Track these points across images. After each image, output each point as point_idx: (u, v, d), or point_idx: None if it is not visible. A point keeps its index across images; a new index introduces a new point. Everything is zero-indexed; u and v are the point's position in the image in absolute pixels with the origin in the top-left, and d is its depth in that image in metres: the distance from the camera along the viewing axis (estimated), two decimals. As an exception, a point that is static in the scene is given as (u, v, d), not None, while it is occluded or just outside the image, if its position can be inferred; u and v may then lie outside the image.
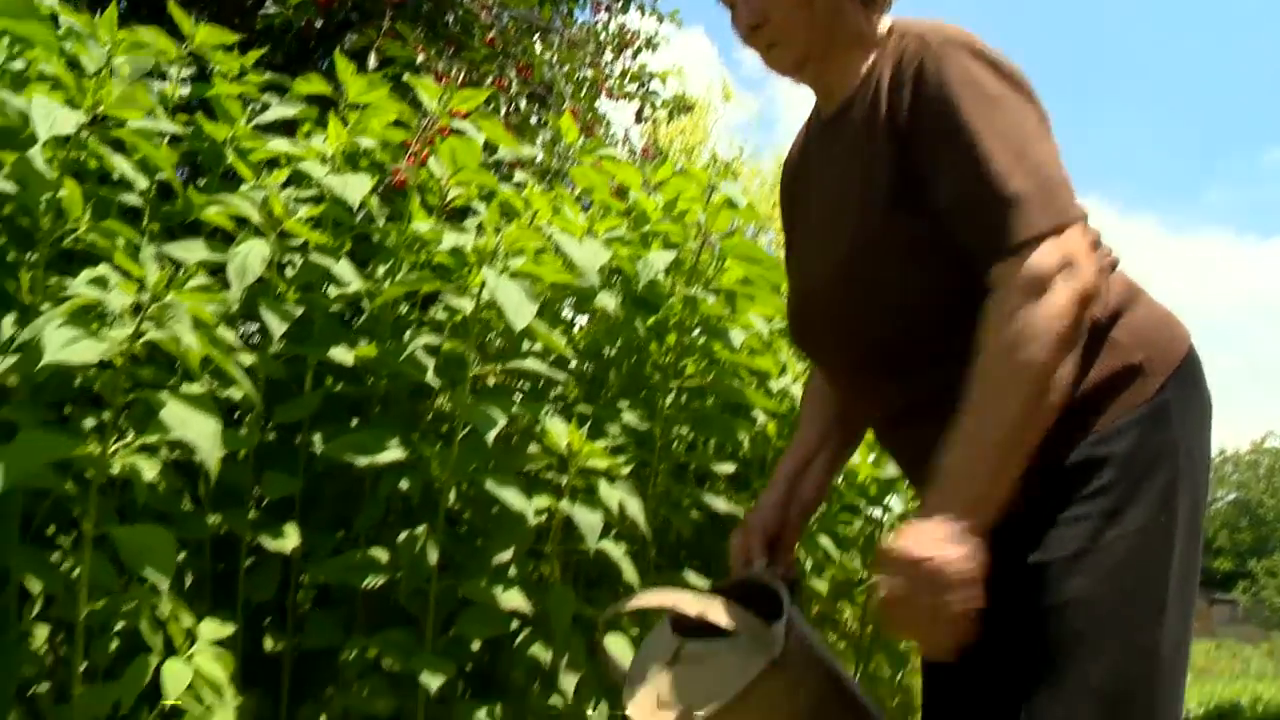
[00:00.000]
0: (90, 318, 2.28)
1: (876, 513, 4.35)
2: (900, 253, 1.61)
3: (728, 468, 3.46)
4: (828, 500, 3.96)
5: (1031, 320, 1.46)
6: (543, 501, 2.70)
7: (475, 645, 2.86)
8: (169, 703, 2.29)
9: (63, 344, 2.10)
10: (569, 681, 2.84)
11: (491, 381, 3.09)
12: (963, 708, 1.72)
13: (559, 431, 2.74)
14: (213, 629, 2.49)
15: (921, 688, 1.88)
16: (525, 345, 3.01)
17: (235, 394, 2.69)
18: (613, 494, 2.75)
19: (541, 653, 2.81)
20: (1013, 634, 1.56)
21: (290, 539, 2.68)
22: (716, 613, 1.72)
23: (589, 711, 2.98)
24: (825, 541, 3.82)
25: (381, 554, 2.67)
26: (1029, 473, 1.51)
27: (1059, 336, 1.46)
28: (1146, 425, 1.58)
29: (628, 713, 1.74)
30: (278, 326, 2.58)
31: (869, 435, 2.07)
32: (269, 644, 2.87)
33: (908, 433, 1.75)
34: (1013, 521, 1.55)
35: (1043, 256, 1.47)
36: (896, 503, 4.26)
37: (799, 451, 1.99)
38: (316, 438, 2.78)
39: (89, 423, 2.62)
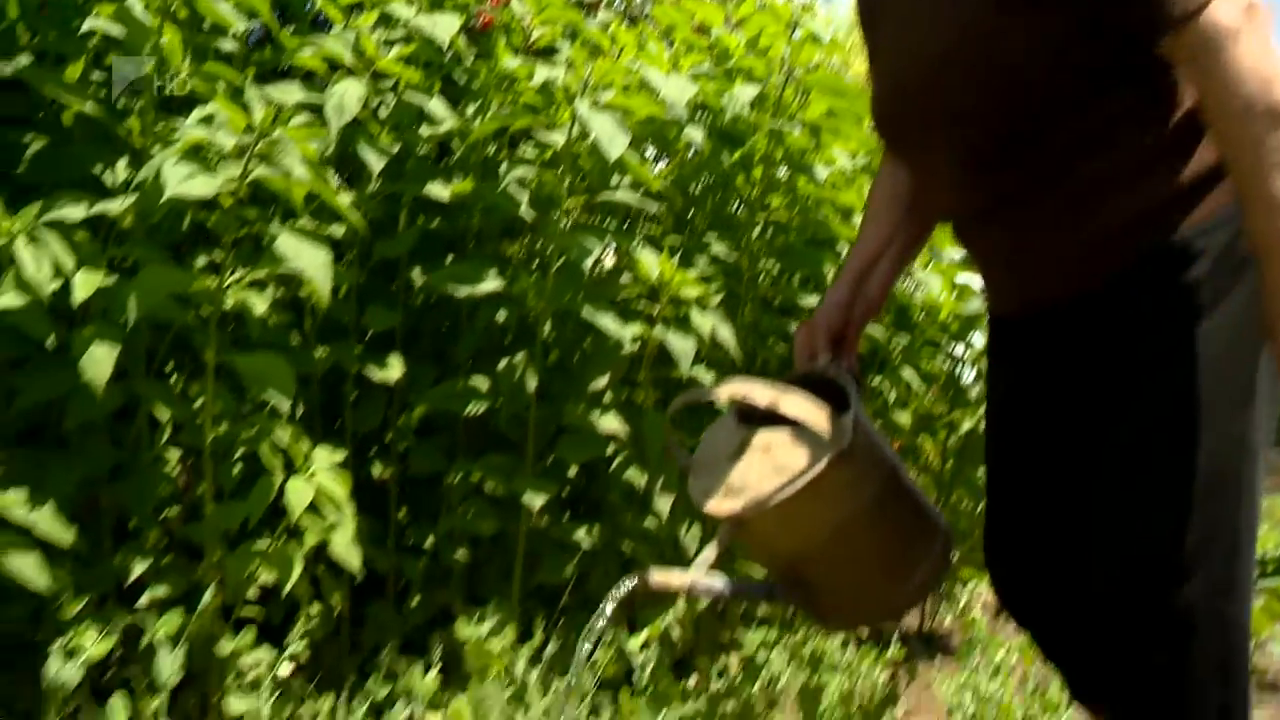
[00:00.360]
0: (201, 156, 2.37)
1: (959, 349, 4.39)
2: (1017, 35, 1.60)
3: (812, 300, 3.51)
4: (911, 334, 4.01)
5: (1257, 65, 1.46)
6: (636, 329, 2.79)
7: (572, 470, 2.98)
8: (294, 518, 2.44)
9: (181, 179, 2.19)
10: (663, 504, 2.96)
11: (583, 218, 3.15)
12: (1046, 489, 1.79)
13: (650, 262, 2.80)
14: (326, 455, 2.63)
15: (988, 481, 1.94)
16: (614, 180, 3.06)
17: (336, 231, 2.79)
18: (704, 321, 2.82)
19: (637, 476, 2.93)
20: (1109, 417, 1.62)
21: (394, 370, 2.80)
22: (787, 403, 1.72)
23: (682, 533, 3.11)
24: (909, 374, 3.88)
25: (481, 383, 2.79)
26: (1123, 249, 1.55)
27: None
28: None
29: (695, 501, 1.76)
30: (376, 163, 2.66)
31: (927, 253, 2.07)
32: (376, 471, 3.02)
33: (994, 228, 1.76)
34: (1099, 301, 1.60)
35: (1228, 6, 1.47)
36: (978, 339, 4.28)
37: (865, 249, 1.98)
38: (415, 273, 2.87)
39: (200, 261, 2.74)
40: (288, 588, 2.45)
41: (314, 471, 2.48)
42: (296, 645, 2.12)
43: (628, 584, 1.65)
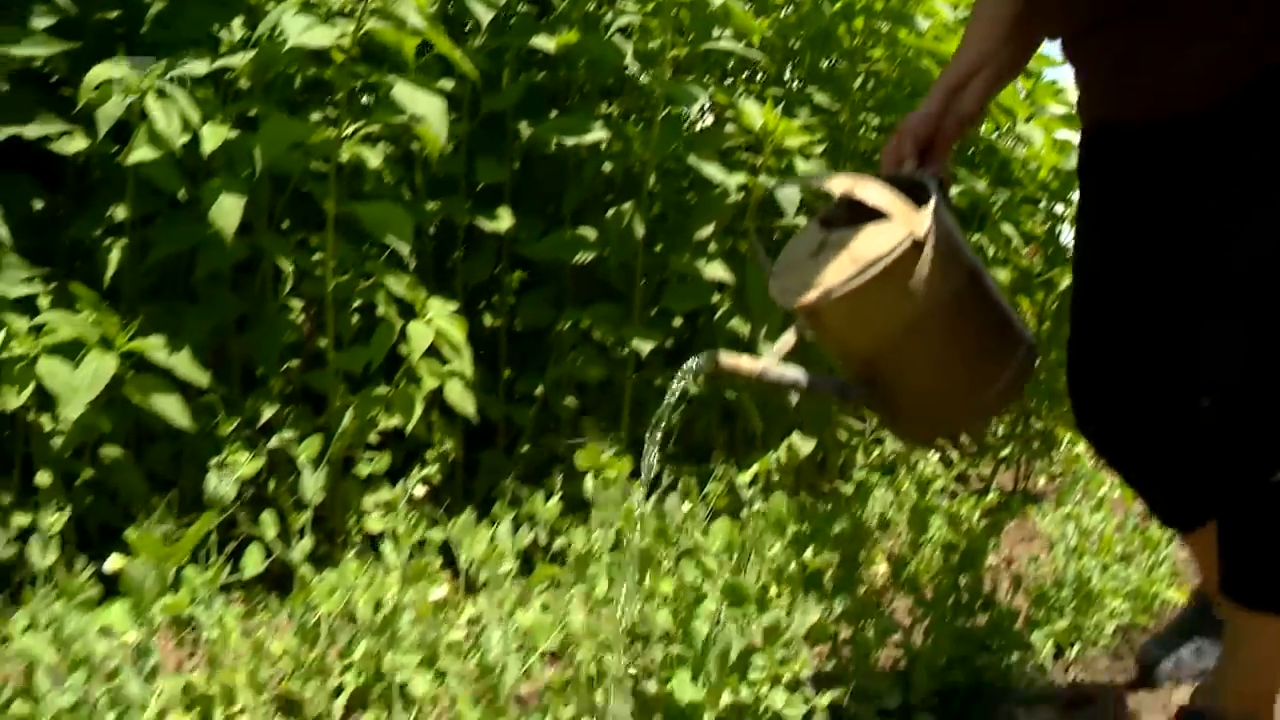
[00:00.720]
0: (314, 12, 2.42)
1: (1059, 208, 4.34)
2: None
3: (914, 152, 3.49)
4: (1011, 190, 3.99)
5: None
6: (740, 178, 2.82)
7: (677, 321, 3.05)
8: (415, 358, 2.54)
9: (301, 29, 2.26)
10: (766, 352, 3.02)
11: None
12: (1145, 303, 1.79)
13: (754, 111, 2.82)
14: (440, 305, 2.73)
15: (1075, 301, 1.93)
16: (716, 32, 3.06)
17: (444, 86, 2.84)
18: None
19: (740, 326, 2.99)
20: (1232, 230, 1.63)
21: (503, 221, 2.88)
22: (864, 189, 1.68)
23: (784, 382, 3.18)
24: (1008, 229, 3.86)
25: (589, 232, 2.85)
26: (1271, 56, 1.54)
27: None
28: None
29: (772, 297, 1.75)
30: (485, 14, 2.69)
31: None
32: (487, 322, 3.12)
33: (1123, 35, 1.72)
34: (1237, 109, 1.59)
35: None
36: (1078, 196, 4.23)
37: (962, 63, 1.93)
38: (522, 125, 2.92)
39: (315, 117, 2.82)
40: (409, 428, 2.56)
41: (431, 317, 2.57)
42: (419, 483, 2.23)
43: (699, 362, 1.66)
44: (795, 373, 1.69)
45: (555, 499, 2.22)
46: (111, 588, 1.71)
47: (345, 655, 1.81)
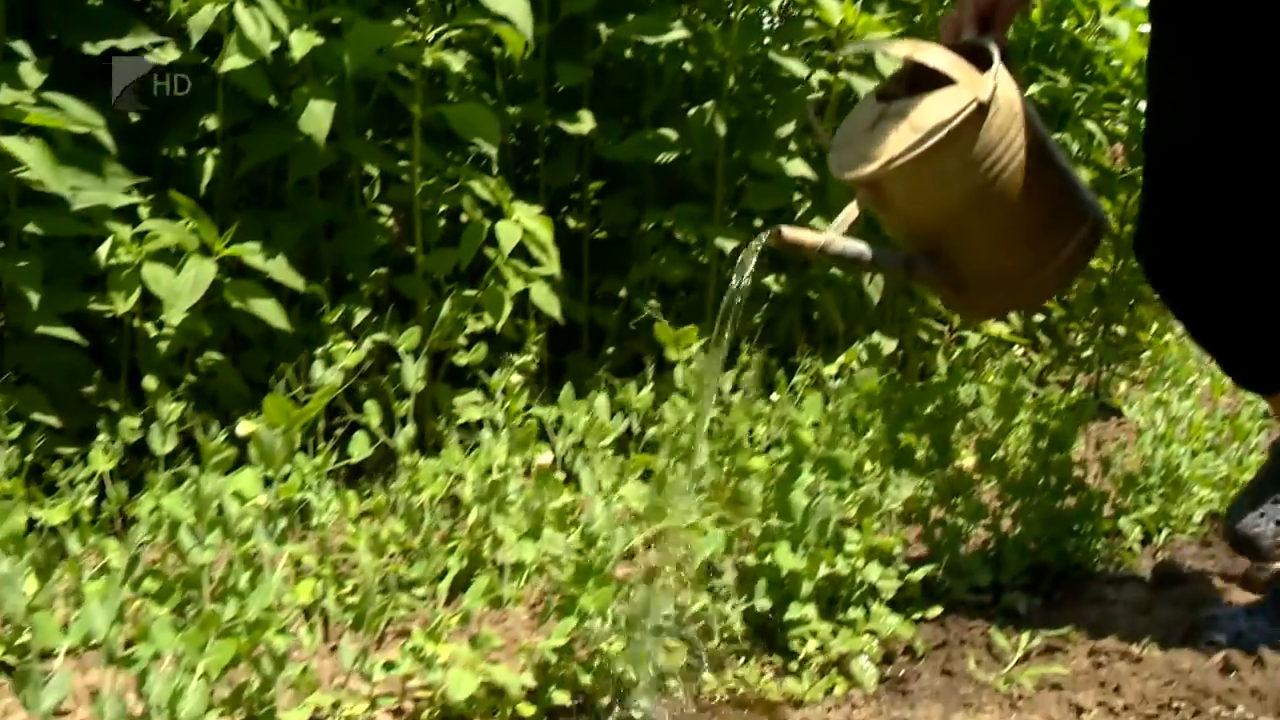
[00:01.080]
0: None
1: (1143, 105, 4.26)
2: None
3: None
4: (1094, 86, 3.92)
5: None
6: (820, 75, 2.81)
7: (758, 220, 3.06)
8: (502, 260, 2.58)
9: (385, -69, 2.27)
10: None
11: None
12: (1224, 145, 1.70)
13: (833, 7, 2.80)
14: (524, 207, 2.76)
15: (1147, 143, 1.86)
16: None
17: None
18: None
19: (822, 223, 2.99)
20: None
21: (585, 123, 2.89)
22: (927, 53, 1.65)
23: (866, 281, 3.19)
24: (1091, 127, 3.81)
25: (670, 133, 2.86)
26: None
27: None
28: None
29: (832, 172, 1.75)
30: (562, -86, 2.69)
31: None
32: (570, 225, 3.15)
33: None
34: None
35: None
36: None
37: None
38: (601, 27, 2.92)
39: (398, 22, 2.85)
40: (499, 327, 2.61)
41: (518, 218, 2.61)
42: (514, 371, 2.28)
43: (763, 238, 1.65)
44: (858, 246, 1.67)
45: (647, 389, 2.27)
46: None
47: (451, 534, 1.87)
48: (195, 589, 1.26)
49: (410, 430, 1.94)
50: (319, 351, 1.80)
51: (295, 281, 2.58)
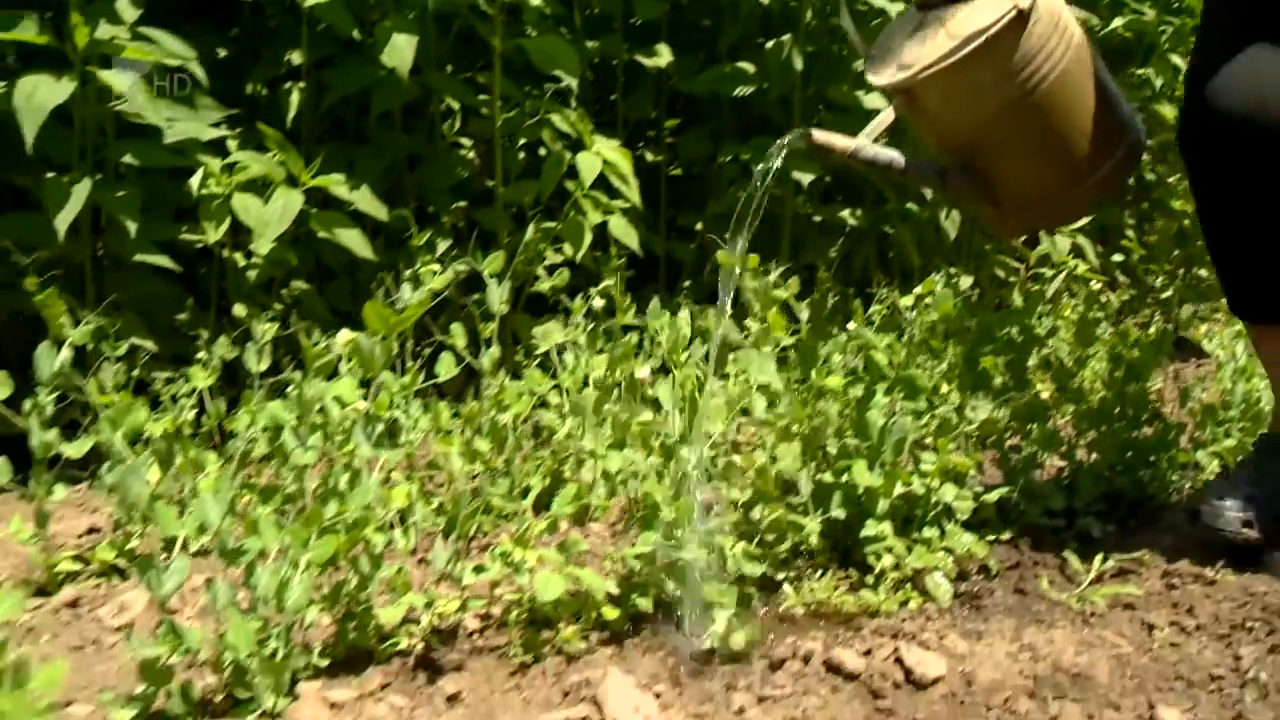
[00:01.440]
0: None
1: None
2: None
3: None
4: (1179, 19, 3.84)
5: None
6: (898, 7, 2.80)
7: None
8: (583, 190, 2.62)
9: None
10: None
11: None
12: None
13: (912, -64, 2.78)
14: (603, 141, 2.79)
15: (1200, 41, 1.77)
16: None
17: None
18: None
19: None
20: None
21: (662, 57, 2.91)
22: None
23: (942, 217, 3.18)
24: (1176, 60, 3.74)
25: (747, 66, 2.87)
26: None
27: None
28: None
29: (869, 80, 1.73)
30: None
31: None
32: (647, 159, 3.17)
33: None
34: None
35: None
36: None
37: None
38: (680, -41, 2.94)
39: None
40: (579, 256, 2.65)
41: (598, 150, 2.64)
42: (596, 296, 2.32)
43: (791, 137, 1.64)
44: (890, 154, 1.67)
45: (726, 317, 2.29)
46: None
47: (533, 454, 1.93)
48: (298, 489, 1.32)
49: (495, 351, 1.99)
50: (407, 273, 1.85)
51: (379, 212, 2.64)
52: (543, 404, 2.07)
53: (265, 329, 1.94)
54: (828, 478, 1.69)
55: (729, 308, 1.67)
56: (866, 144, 1.66)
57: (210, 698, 1.32)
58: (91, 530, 2.07)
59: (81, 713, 1.37)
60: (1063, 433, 2.09)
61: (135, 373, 1.91)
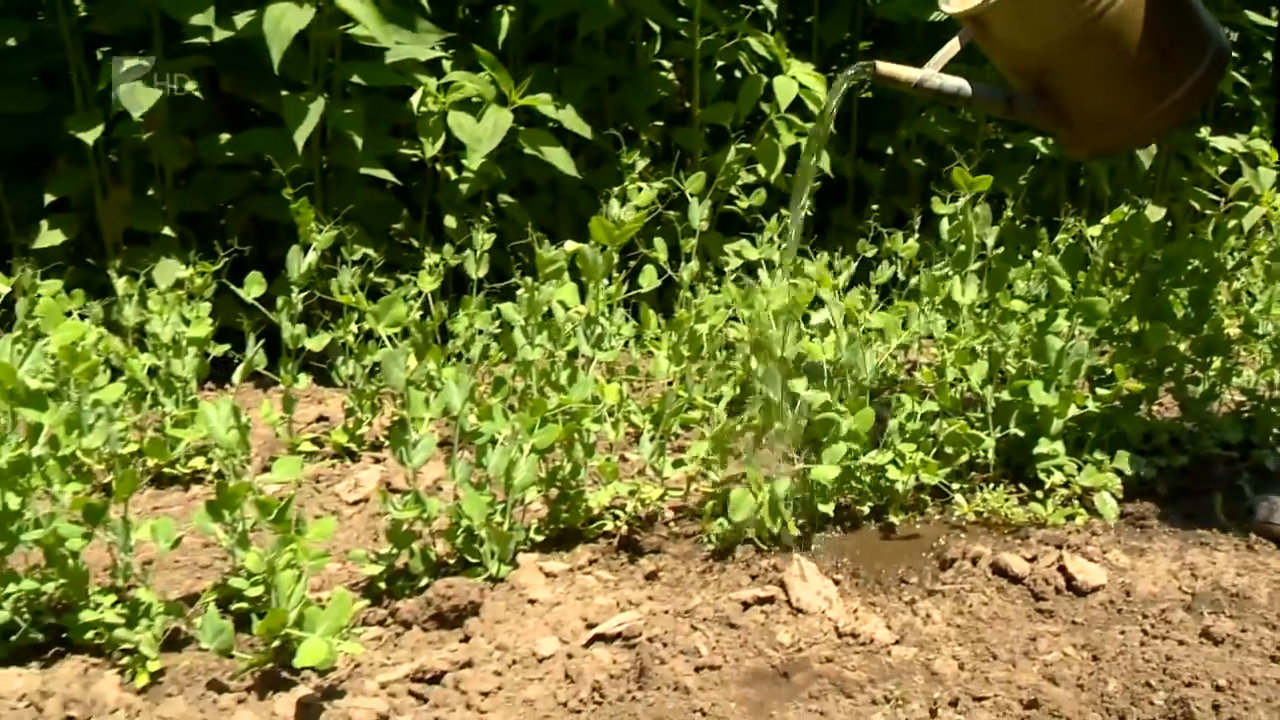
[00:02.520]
0: None
1: None
2: None
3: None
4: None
5: None
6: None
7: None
8: (778, 113, 2.71)
9: None
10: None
11: None
12: None
13: None
14: (798, 65, 2.87)
15: None
16: None
17: None
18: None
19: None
20: None
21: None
22: None
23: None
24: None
25: (946, -9, 2.89)
26: None
27: None
28: None
29: (941, 8, 1.72)
30: None
31: None
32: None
33: None
34: None
35: None
36: None
37: None
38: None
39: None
40: (772, 178, 2.76)
41: (794, 73, 2.72)
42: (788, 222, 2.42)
43: (856, 69, 1.65)
44: (957, 82, 1.66)
45: (914, 239, 2.37)
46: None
47: (725, 364, 2.06)
48: (524, 383, 1.48)
49: (695, 265, 2.12)
50: (615, 190, 1.98)
51: (583, 130, 2.79)
52: (734, 318, 2.19)
53: (484, 239, 2.11)
54: (1005, 396, 1.78)
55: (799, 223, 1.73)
56: (932, 74, 1.65)
57: (444, 560, 1.51)
58: (320, 418, 2.31)
59: (333, 568, 1.58)
60: (1246, 368, 2.11)
61: (371, 275, 2.10)
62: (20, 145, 2.68)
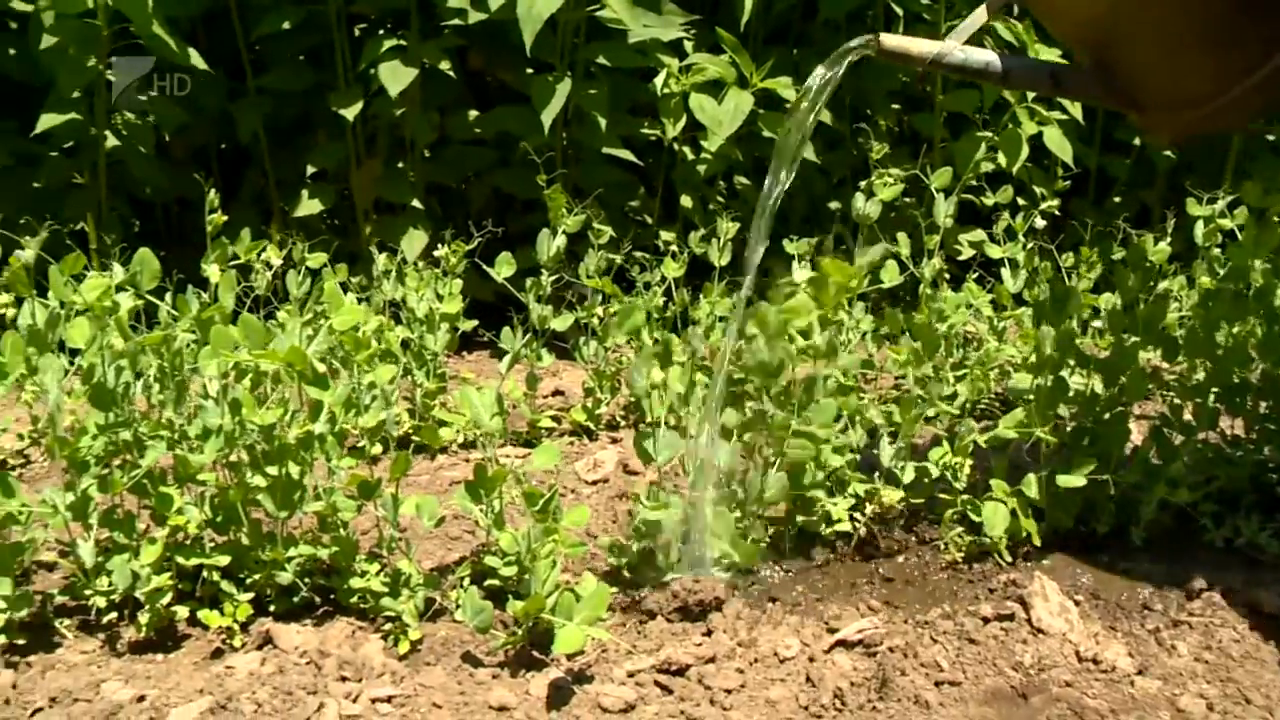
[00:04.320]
0: None
1: None
2: None
3: None
4: None
5: None
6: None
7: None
8: (1022, 101, 2.64)
9: None
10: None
11: None
12: None
13: None
14: (1048, 51, 2.78)
15: None
16: None
17: None
18: None
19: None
20: None
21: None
22: None
23: None
24: None
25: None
26: None
27: None
28: None
29: None
30: None
31: None
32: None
33: None
34: None
35: None
36: None
37: None
38: None
39: None
40: (1015, 167, 2.69)
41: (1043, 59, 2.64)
42: (1036, 216, 2.36)
43: (858, 43, 1.46)
44: (985, 56, 1.43)
45: (1164, 242, 2.28)
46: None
47: (962, 363, 2.03)
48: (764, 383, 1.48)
49: (936, 262, 2.09)
50: (862, 185, 1.97)
51: (822, 114, 2.77)
52: (975, 314, 2.15)
53: (728, 227, 2.13)
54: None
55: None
56: (954, 47, 1.43)
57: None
58: (556, 392, 2.38)
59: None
60: None
61: (617, 258, 2.15)
62: (286, 120, 2.84)
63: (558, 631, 1.25)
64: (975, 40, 1.46)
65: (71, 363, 1.43)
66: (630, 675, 1.31)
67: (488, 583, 1.46)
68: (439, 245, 2.12)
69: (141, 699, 1.30)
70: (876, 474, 1.64)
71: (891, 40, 1.43)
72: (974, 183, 2.78)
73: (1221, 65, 1.39)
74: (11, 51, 2.58)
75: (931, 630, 1.39)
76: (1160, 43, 1.39)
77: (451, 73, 2.64)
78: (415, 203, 2.76)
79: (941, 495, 1.63)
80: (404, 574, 1.43)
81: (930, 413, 1.98)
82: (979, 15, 1.47)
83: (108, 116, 2.59)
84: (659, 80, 2.72)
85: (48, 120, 2.45)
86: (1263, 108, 1.47)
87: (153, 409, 1.52)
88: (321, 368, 1.36)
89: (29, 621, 1.43)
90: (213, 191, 1.50)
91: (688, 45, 2.81)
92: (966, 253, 2.72)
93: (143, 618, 1.41)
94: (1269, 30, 1.35)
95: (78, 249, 1.48)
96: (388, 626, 1.42)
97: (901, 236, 2.11)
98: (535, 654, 1.36)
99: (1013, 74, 1.45)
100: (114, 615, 1.44)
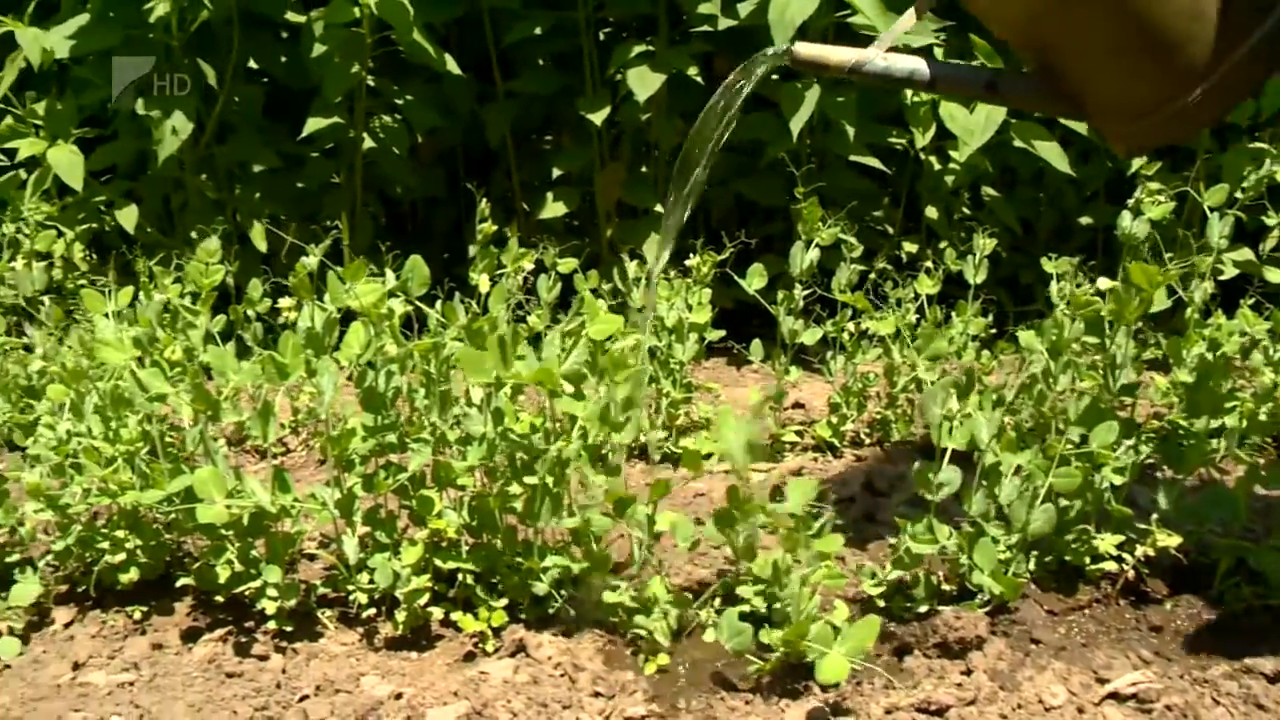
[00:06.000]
0: None
1: None
2: None
3: None
4: None
5: None
6: None
7: None
8: None
9: None
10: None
11: None
12: None
13: None
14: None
15: None
16: None
17: None
18: None
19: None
20: None
21: None
22: None
23: None
24: None
25: None
26: None
27: None
28: None
29: None
30: None
31: None
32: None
33: None
34: None
35: None
36: None
37: None
38: None
39: None
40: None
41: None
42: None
43: (772, 52, 1.36)
44: (909, 64, 1.33)
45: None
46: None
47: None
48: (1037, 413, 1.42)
49: (1208, 286, 1.95)
50: (1129, 202, 1.86)
51: (1079, 125, 2.65)
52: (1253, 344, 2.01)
53: (985, 243, 2.05)
54: None
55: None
56: (875, 55, 1.33)
57: (940, 587, 1.49)
58: (796, 404, 2.35)
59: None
60: None
61: (871, 273, 2.10)
62: (533, 123, 2.89)
63: (821, 660, 1.22)
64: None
65: (336, 363, 1.48)
66: (888, 712, 1.26)
67: (739, 607, 1.44)
68: (685, 252, 2.12)
69: (399, 696, 1.33)
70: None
71: (807, 50, 1.37)
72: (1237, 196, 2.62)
73: (1174, 71, 1.28)
74: (283, 59, 2.71)
75: (1213, 690, 1.30)
76: (1103, 53, 1.30)
77: (699, 79, 2.63)
78: (658, 207, 2.77)
79: (1216, 539, 1.52)
80: (654, 592, 1.42)
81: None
82: (908, 18, 1.39)
83: (366, 119, 2.68)
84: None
85: (314, 124, 2.56)
86: (1218, 113, 1.34)
87: (416, 413, 1.56)
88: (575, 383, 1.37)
89: (295, 609, 1.49)
90: (484, 200, 1.52)
91: (939, 52, 2.72)
92: (1229, 272, 2.56)
93: (400, 616, 1.45)
94: (1228, 32, 1.25)
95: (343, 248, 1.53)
96: (638, 643, 1.41)
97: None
98: (788, 681, 1.33)
99: (940, 81, 1.36)
100: (373, 611, 1.49)
